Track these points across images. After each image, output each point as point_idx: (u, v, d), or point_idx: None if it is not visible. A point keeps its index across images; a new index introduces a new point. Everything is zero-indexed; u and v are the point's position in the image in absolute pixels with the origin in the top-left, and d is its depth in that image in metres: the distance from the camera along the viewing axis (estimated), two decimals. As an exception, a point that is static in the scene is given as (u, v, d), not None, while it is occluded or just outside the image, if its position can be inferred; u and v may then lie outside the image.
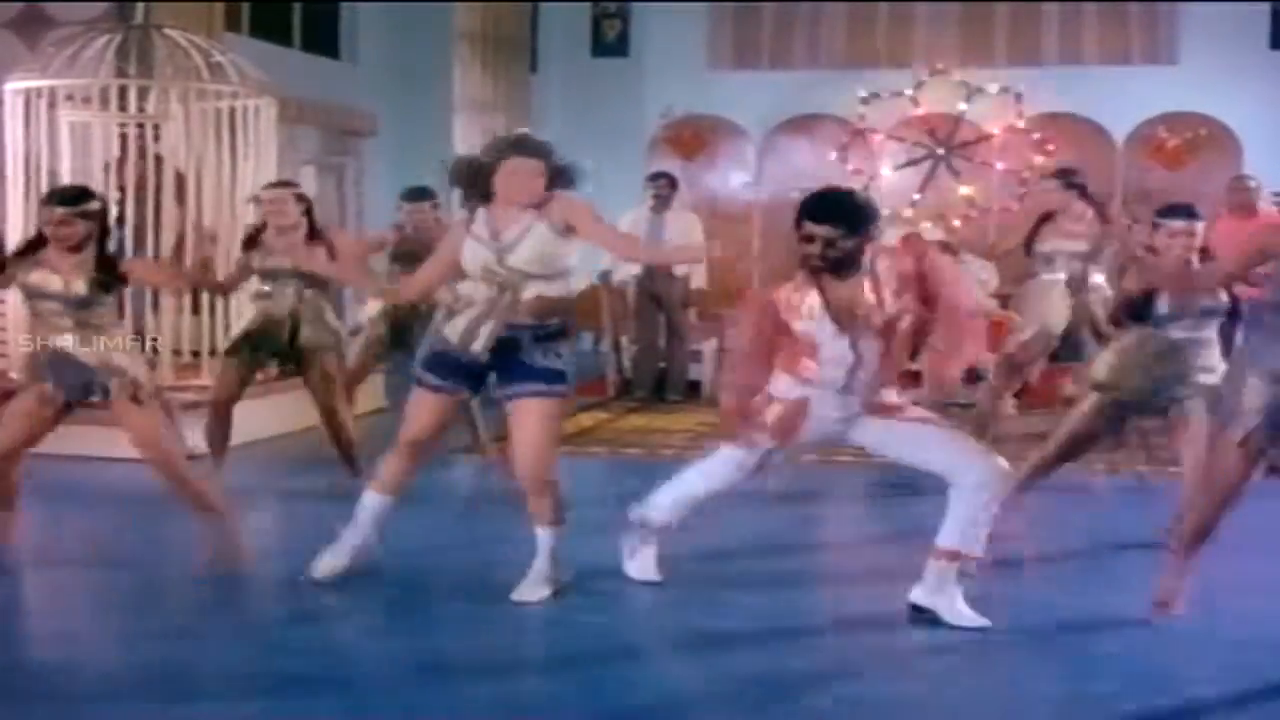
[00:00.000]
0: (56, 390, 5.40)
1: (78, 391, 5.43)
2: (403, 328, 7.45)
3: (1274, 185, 13.17)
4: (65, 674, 4.41)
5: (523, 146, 4.97)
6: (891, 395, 4.93)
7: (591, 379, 11.17)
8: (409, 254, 7.72)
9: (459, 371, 5.04)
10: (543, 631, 4.94)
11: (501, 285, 4.88)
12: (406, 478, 5.23)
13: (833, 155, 13.92)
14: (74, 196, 5.55)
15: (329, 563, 5.22)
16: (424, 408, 5.10)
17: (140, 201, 8.59)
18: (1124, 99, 13.30)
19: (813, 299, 4.75)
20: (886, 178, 13.83)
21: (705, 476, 5.23)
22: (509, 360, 4.94)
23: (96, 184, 8.50)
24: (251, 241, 6.87)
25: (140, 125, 8.88)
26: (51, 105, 8.49)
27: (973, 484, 4.79)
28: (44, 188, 8.46)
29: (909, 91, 13.77)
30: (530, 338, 4.92)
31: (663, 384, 10.64)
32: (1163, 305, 5.60)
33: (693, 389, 10.63)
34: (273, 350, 6.90)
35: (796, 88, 13.96)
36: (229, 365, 6.89)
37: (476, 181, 4.95)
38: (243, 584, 5.43)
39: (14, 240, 8.65)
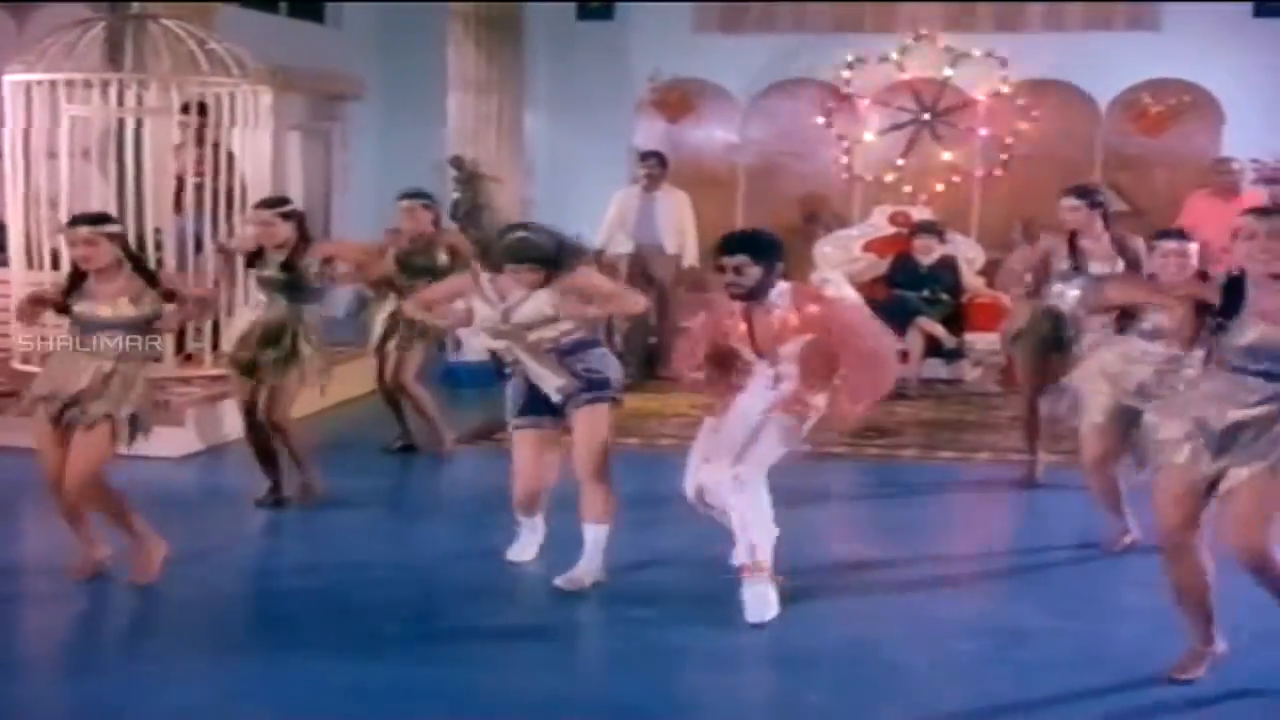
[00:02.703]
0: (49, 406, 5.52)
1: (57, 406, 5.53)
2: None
3: (1254, 152, 13.36)
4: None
5: (521, 257, 5.50)
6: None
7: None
8: (412, 264, 7.84)
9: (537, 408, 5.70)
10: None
11: (509, 339, 5.60)
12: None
13: (817, 119, 13.96)
14: (97, 217, 5.68)
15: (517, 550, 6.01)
16: (525, 446, 5.77)
17: (200, 188, 8.81)
18: (1108, 65, 13.34)
19: (740, 327, 5.35)
20: (870, 142, 13.90)
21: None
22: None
23: (94, 172, 8.63)
24: (254, 257, 6.92)
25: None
26: (51, 90, 8.48)
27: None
28: (44, 179, 8.57)
29: (894, 56, 13.77)
30: (557, 360, 5.53)
31: (653, 361, 10.74)
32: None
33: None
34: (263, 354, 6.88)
35: (782, 52, 13.94)
36: (237, 382, 6.97)
37: (490, 256, 5.71)
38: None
39: (12, 232, 8.76)
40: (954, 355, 10.27)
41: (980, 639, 5.24)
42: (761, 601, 5.28)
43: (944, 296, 10.19)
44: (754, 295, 5.28)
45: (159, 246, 8.75)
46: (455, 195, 10.44)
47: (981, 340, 10.24)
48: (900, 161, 13.77)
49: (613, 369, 5.72)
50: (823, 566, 6.16)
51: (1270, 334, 4.45)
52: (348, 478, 7.47)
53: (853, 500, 7.23)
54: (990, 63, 13.62)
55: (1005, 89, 13.61)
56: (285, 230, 6.82)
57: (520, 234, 5.58)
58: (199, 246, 8.86)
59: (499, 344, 5.80)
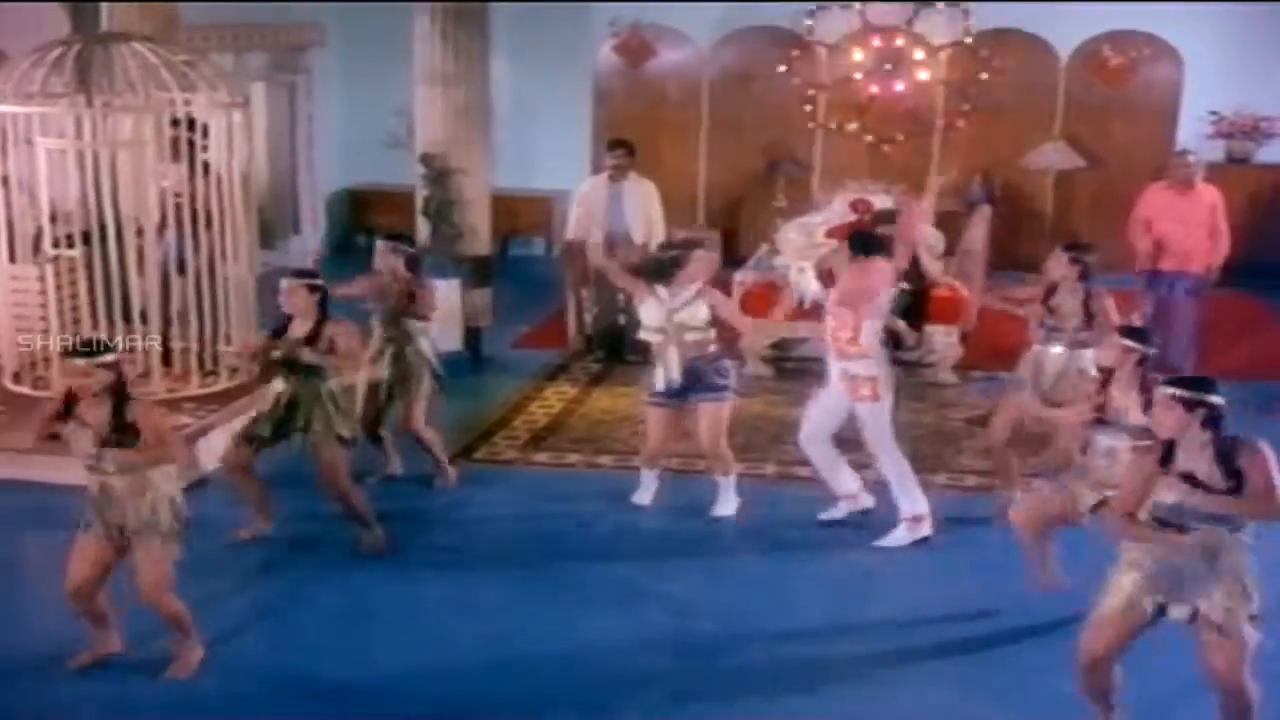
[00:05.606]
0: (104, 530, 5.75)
1: (115, 531, 5.74)
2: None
3: (1213, 104, 13.55)
4: None
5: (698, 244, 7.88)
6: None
7: (550, 315, 11.59)
8: (393, 319, 7.93)
9: (669, 393, 7.67)
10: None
11: (667, 334, 7.52)
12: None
13: (780, 67, 14.00)
14: (94, 348, 5.72)
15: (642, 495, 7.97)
16: (655, 419, 7.80)
17: (179, 207, 8.72)
18: (1071, 15, 13.40)
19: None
20: (831, 90, 13.96)
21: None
22: (694, 380, 7.57)
23: (73, 201, 8.65)
24: (278, 333, 7.04)
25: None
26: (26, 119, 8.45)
27: None
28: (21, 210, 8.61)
29: (857, 4, 13.79)
30: (703, 366, 7.58)
31: (621, 343, 10.91)
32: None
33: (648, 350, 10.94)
34: (280, 431, 7.06)
35: (745, -2, 13.92)
36: (240, 446, 7.13)
37: (662, 271, 7.65)
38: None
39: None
40: (913, 348, 10.48)
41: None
42: (903, 538, 7.39)
43: (904, 286, 10.36)
44: None
45: (140, 234, 8.75)
46: (425, 192, 10.48)
47: (940, 331, 10.44)
48: (862, 111, 13.90)
49: (733, 377, 7.74)
50: (768, 633, 6.42)
51: (1190, 499, 4.87)
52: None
53: (808, 550, 7.44)
54: (953, 11, 13.67)
55: (968, 39, 13.68)
56: (308, 301, 6.91)
57: (676, 252, 7.71)
58: (181, 268, 8.90)
59: (658, 338, 7.57)
